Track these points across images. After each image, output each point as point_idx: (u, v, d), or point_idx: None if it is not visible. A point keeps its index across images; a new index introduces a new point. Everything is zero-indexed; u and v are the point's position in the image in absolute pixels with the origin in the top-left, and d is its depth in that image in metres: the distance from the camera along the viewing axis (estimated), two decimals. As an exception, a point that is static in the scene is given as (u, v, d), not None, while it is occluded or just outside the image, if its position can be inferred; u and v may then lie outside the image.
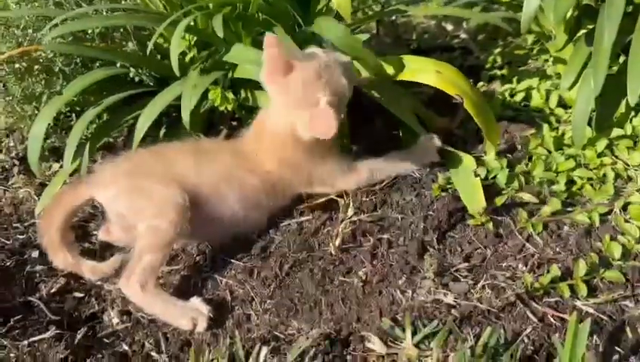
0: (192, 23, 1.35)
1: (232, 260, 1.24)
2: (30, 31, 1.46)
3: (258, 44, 1.42)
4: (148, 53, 1.33)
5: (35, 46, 1.39)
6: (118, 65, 1.42)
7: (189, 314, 1.09)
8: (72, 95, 1.36)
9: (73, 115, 1.51)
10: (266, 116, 1.28)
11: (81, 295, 1.22)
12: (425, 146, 1.34)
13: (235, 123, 1.56)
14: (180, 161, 1.23)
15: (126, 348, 1.09)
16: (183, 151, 1.25)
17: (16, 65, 1.44)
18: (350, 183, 1.30)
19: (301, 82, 1.17)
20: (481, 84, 1.67)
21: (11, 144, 1.58)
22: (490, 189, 1.28)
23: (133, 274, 1.12)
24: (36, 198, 1.47)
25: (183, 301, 1.12)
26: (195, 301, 1.12)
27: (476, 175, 1.28)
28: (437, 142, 1.34)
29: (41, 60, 1.43)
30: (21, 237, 1.37)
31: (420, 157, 1.34)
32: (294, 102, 1.19)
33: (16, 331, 1.11)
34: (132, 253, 1.15)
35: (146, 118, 1.33)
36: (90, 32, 1.45)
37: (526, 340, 1.00)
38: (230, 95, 1.45)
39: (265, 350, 0.97)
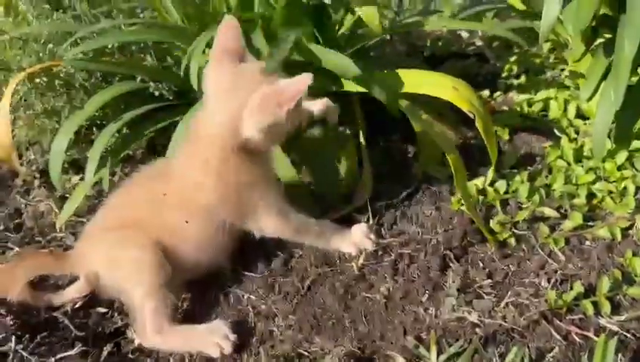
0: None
1: (254, 275, 1.25)
2: (50, 45, 1.48)
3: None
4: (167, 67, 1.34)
5: (56, 62, 1.40)
6: (138, 79, 1.43)
7: (214, 341, 1.09)
8: (93, 110, 1.37)
9: (93, 128, 1.51)
10: (202, 120, 1.15)
11: (105, 310, 1.23)
12: (357, 235, 1.25)
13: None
14: (141, 205, 1.19)
15: (151, 364, 1.10)
16: (143, 191, 1.21)
17: (37, 80, 1.46)
18: (272, 226, 1.19)
19: (250, 71, 1.10)
20: (498, 93, 1.67)
21: (32, 157, 1.59)
22: (511, 202, 1.29)
23: (145, 326, 1.11)
24: (57, 211, 1.48)
25: (204, 325, 1.12)
26: (219, 323, 1.12)
27: (495, 189, 1.28)
28: (367, 233, 1.25)
29: (61, 75, 1.45)
30: (49, 250, 1.39)
31: (348, 242, 1.25)
32: (239, 89, 1.09)
33: (43, 347, 1.13)
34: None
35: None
36: (109, 46, 1.45)
37: (551, 360, 1.00)
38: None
39: (290, 369, 0.98)
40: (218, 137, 1.10)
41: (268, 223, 1.19)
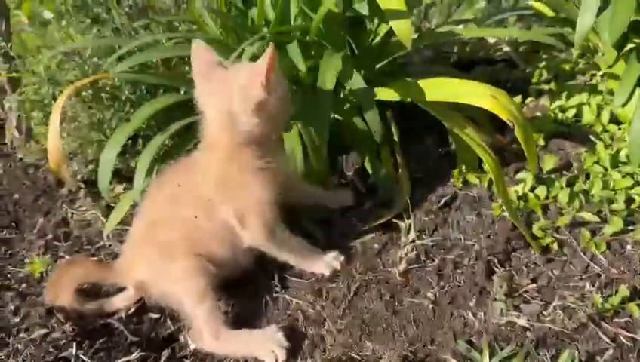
0: (254, 51, 1.39)
1: (301, 280, 1.28)
2: (95, 59, 1.52)
3: (312, 70, 1.47)
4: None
5: (103, 75, 1.45)
6: (183, 91, 1.47)
7: (270, 348, 1.12)
8: (141, 122, 1.41)
9: (137, 139, 1.56)
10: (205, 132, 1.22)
11: (157, 316, 1.27)
12: (328, 261, 1.29)
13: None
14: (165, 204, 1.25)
15: (208, 368, 1.14)
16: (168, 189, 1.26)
17: (83, 94, 1.50)
18: (259, 233, 1.21)
19: (224, 70, 1.17)
20: (529, 99, 1.69)
21: (76, 168, 1.63)
22: (551, 208, 1.31)
23: (202, 332, 1.16)
24: (103, 220, 1.53)
25: (259, 331, 1.16)
26: (274, 329, 1.15)
27: (536, 195, 1.31)
28: (336, 263, 1.29)
29: (107, 88, 1.49)
30: (96, 259, 1.43)
31: (321, 264, 1.28)
32: (222, 83, 1.16)
33: (102, 353, 1.17)
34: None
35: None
36: (155, 60, 1.50)
37: (600, 360, 1.02)
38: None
39: (348, 373, 1.01)
40: (217, 135, 1.18)
41: (255, 229, 1.21)
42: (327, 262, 1.28)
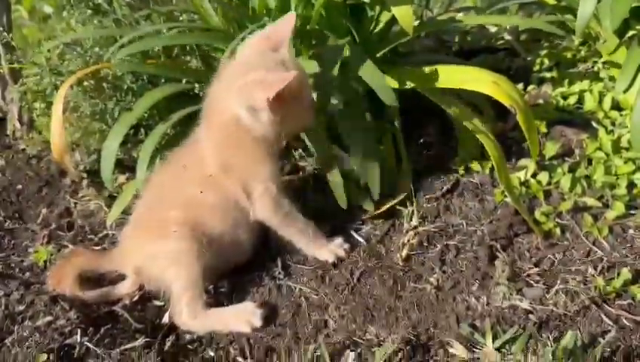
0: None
1: (304, 267, 1.29)
2: (97, 49, 1.52)
3: (314, 59, 1.47)
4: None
5: (105, 64, 1.45)
6: (184, 81, 1.47)
7: (244, 318, 1.17)
8: (143, 111, 1.42)
9: (139, 128, 1.56)
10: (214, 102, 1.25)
11: (161, 303, 1.28)
12: (333, 249, 1.29)
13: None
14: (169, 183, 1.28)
15: (212, 354, 1.14)
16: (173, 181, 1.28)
17: (85, 84, 1.50)
18: (264, 206, 1.24)
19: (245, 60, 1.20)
20: (531, 87, 1.70)
21: (78, 158, 1.64)
22: (553, 193, 1.32)
23: (182, 312, 1.19)
24: (107, 210, 1.53)
25: (233, 306, 1.21)
26: (247, 303, 1.20)
27: (538, 181, 1.32)
28: (342, 245, 1.30)
29: (109, 78, 1.49)
30: (97, 248, 1.44)
31: (326, 249, 1.29)
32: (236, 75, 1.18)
33: (107, 340, 1.17)
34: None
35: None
36: (156, 49, 1.50)
37: (602, 342, 1.03)
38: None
39: (352, 355, 1.02)
40: (220, 117, 1.21)
41: (261, 198, 1.23)
42: (331, 250, 1.29)
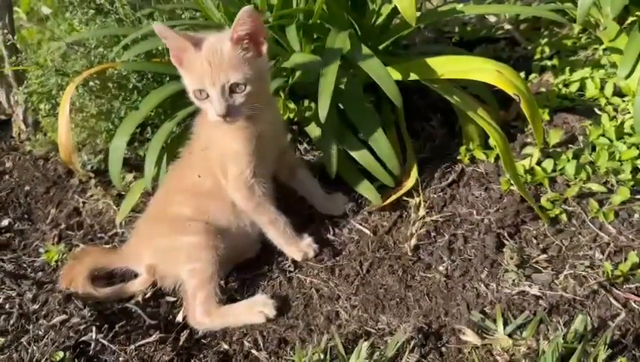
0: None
1: (313, 260, 1.30)
2: (101, 49, 1.53)
3: (317, 53, 1.48)
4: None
5: (111, 64, 1.45)
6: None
7: (257, 309, 1.19)
8: (149, 109, 1.42)
9: (146, 127, 1.57)
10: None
11: (173, 299, 1.29)
12: (302, 247, 1.30)
13: (294, 127, 1.61)
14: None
15: (226, 347, 1.16)
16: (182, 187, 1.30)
17: (91, 84, 1.51)
18: (238, 192, 1.25)
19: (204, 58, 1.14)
20: (533, 75, 1.70)
21: (84, 158, 1.65)
22: (559, 180, 1.33)
23: (195, 311, 1.20)
24: (115, 208, 1.54)
25: (245, 301, 1.22)
26: (258, 296, 1.22)
27: (543, 168, 1.33)
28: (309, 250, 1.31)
29: (114, 78, 1.50)
30: (107, 246, 1.45)
31: (296, 247, 1.30)
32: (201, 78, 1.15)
33: (122, 336, 1.19)
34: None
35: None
36: (159, 47, 1.51)
37: (612, 325, 1.04)
38: (291, 104, 1.51)
39: (365, 344, 1.03)
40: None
41: (233, 179, 1.24)
42: (301, 248, 1.30)
